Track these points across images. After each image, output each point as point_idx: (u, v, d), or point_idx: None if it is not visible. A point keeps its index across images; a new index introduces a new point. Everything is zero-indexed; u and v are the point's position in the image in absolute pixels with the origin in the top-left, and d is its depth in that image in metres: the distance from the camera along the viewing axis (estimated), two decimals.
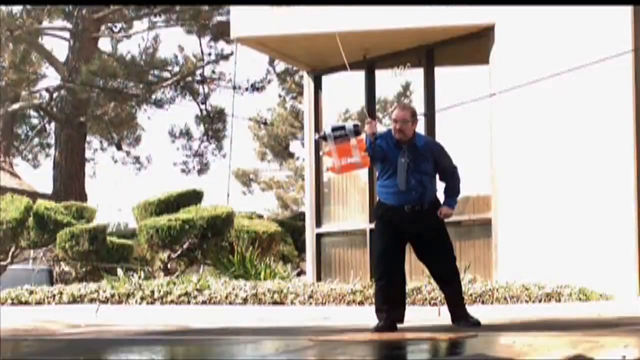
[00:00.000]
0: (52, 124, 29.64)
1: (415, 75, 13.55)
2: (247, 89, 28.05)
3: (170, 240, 14.44)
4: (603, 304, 10.13)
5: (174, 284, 11.50)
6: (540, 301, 10.22)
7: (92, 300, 11.46)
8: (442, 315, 9.04)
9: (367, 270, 13.16)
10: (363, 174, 13.37)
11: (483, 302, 10.17)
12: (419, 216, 7.49)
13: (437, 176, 7.73)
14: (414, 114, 7.57)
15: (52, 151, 29.57)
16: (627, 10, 11.38)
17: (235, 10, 14.23)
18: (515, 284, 10.62)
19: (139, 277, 12.28)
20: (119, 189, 56.61)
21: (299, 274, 15.70)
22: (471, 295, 10.18)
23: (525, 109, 11.97)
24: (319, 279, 13.88)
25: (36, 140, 32.48)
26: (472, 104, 12.47)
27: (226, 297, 10.93)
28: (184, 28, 27.42)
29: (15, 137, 31.54)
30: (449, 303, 7.74)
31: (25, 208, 16.13)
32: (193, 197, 16.15)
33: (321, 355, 5.31)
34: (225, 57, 27.80)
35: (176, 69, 27.46)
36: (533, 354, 4.77)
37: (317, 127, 14.13)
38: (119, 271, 12.69)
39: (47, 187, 28.22)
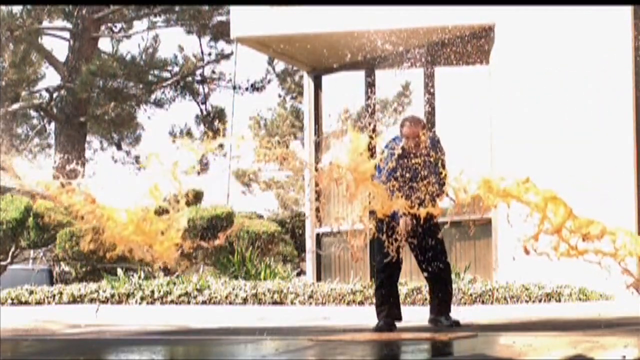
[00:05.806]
0: (52, 124, 29.61)
1: (415, 75, 13.53)
2: (247, 89, 28.04)
3: None
4: (603, 304, 10.12)
5: (174, 284, 11.50)
6: (540, 301, 10.21)
7: (92, 300, 11.46)
8: None
9: (367, 270, 13.15)
10: None
11: (483, 302, 10.17)
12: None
13: None
14: (424, 127, 7.50)
15: (52, 151, 29.55)
16: (627, 10, 11.38)
17: (235, 10, 14.23)
18: (515, 284, 10.62)
19: (139, 277, 12.27)
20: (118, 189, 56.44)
21: (299, 274, 15.67)
22: (471, 295, 10.18)
23: (525, 109, 11.97)
24: (319, 279, 13.87)
25: (36, 140, 32.47)
26: (473, 103, 12.47)
27: (226, 297, 10.92)
28: (184, 28, 27.39)
29: (15, 137, 31.52)
30: (438, 298, 7.71)
31: (25, 208, 16.12)
32: (193, 197, 16.13)
33: (321, 355, 5.31)
34: (226, 57, 27.78)
35: (176, 69, 27.41)
36: (533, 354, 4.78)
37: (318, 127, 14.12)
38: (119, 271, 12.68)
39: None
